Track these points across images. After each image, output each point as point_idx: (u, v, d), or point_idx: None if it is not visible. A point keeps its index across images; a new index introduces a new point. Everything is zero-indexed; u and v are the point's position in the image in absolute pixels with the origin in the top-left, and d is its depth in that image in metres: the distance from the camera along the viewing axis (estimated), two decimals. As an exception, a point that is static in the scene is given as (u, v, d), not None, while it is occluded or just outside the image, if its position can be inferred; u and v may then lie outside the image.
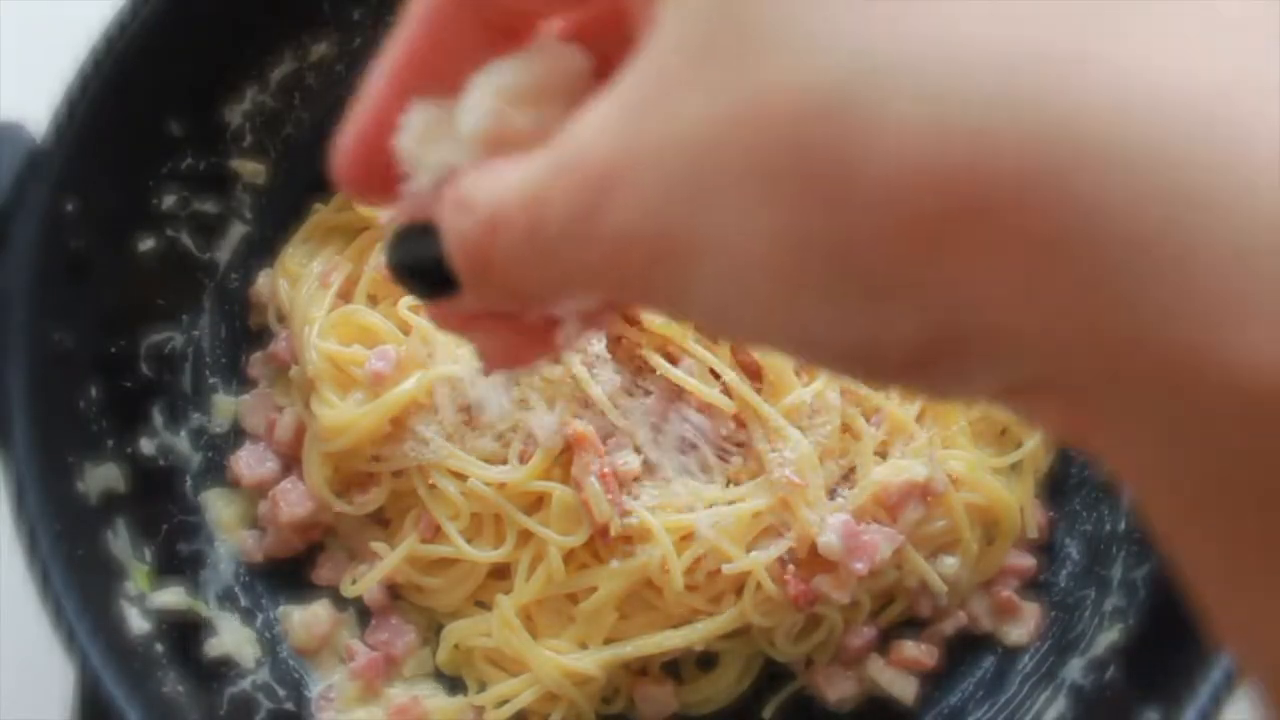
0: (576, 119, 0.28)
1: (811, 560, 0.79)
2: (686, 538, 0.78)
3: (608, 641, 0.80)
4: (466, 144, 0.32)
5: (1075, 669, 0.82)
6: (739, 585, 0.79)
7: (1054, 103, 0.22)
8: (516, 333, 0.35)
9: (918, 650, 0.85)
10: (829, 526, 0.78)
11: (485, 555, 0.81)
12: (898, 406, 0.83)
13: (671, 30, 0.26)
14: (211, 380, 0.91)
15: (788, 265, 0.24)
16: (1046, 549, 0.88)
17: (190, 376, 0.90)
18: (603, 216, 0.27)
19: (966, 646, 0.87)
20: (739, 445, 0.81)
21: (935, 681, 0.86)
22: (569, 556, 0.79)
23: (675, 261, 0.26)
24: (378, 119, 0.35)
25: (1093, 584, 0.85)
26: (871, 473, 0.81)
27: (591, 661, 0.80)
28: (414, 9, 0.35)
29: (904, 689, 0.84)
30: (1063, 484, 0.90)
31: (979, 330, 0.24)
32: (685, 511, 0.78)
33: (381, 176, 0.35)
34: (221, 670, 0.82)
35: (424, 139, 0.33)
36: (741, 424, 0.79)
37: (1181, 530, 0.25)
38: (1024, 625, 0.86)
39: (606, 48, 0.33)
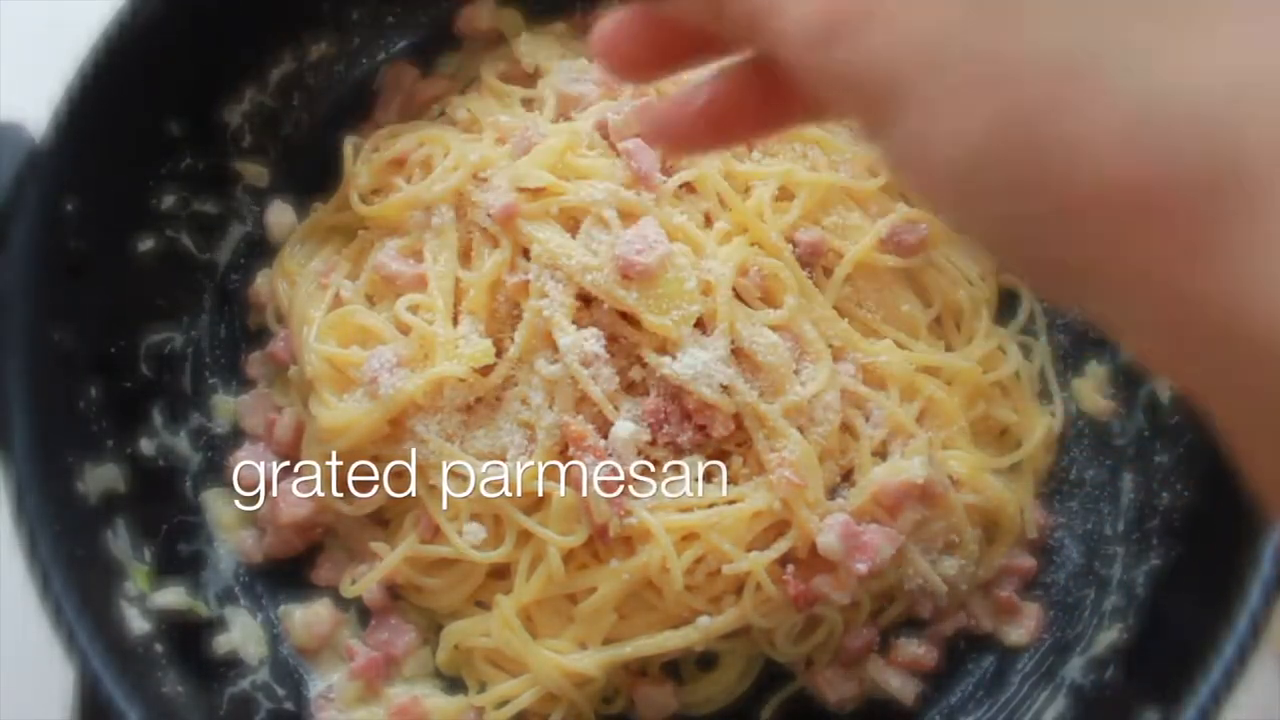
0: None
1: (811, 560, 0.79)
2: (687, 538, 0.78)
3: (607, 642, 0.80)
4: None
5: (1075, 669, 0.82)
6: (739, 585, 0.79)
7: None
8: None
9: (918, 650, 0.85)
10: (829, 526, 0.78)
11: (485, 555, 0.81)
12: (897, 407, 0.83)
13: None
14: (211, 380, 0.91)
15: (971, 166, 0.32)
16: (1046, 549, 0.88)
17: (190, 376, 0.90)
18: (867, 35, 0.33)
19: (966, 646, 0.87)
20: (739, 445, 0.81)
21: (935, 681, 0.86)
22: (569, 556, 0.79)
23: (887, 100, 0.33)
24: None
25: (1092, 584, 0.85)
26: (871, 473, 0.81)
27: (591, 662, 0.80)
28: None
29: (904, 689, 0.84)
30: (1063, 484, 0.90)
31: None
32: (685, 511, 0.78)
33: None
34: (222, 670, 0.82)
35: None
36: (741, 424, 0.79)
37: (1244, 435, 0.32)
38: (1024, 625, 0.86)
39: None
